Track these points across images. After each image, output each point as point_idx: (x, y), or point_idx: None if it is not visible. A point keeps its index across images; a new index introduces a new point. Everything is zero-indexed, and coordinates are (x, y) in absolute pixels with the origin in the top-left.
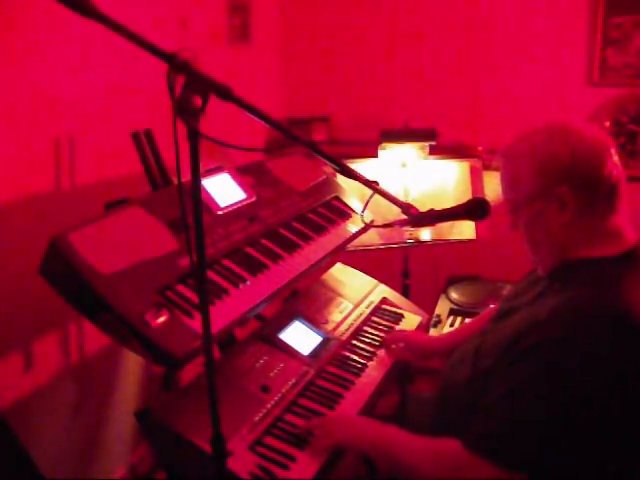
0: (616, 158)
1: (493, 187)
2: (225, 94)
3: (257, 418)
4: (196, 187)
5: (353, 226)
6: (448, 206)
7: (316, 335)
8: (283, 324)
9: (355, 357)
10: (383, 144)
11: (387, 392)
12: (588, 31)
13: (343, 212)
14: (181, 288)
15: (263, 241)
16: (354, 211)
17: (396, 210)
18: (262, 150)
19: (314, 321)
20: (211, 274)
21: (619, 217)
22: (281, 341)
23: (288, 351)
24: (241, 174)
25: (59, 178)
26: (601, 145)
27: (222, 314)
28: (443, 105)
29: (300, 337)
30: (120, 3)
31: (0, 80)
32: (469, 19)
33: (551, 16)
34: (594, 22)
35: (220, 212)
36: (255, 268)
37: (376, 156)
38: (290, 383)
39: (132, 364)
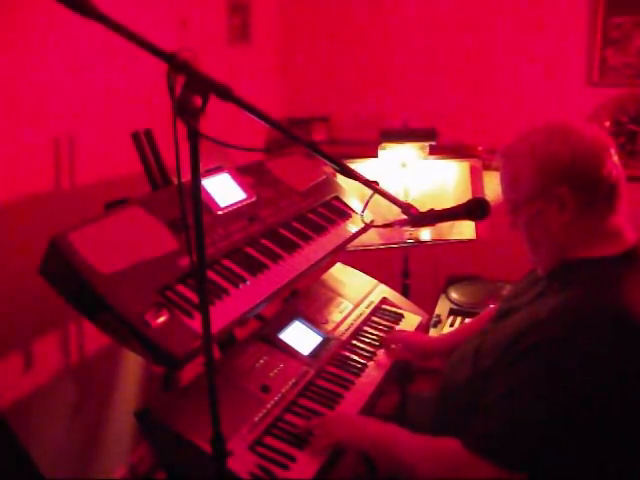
0: (616, 158)
1: (493, 187)
2: (225, 94)
3: (257, 418)
4: (196, 187)
5: (353, 226)
6: (448, 206)
7: (316, 335)
8: (283, 324)
9: (355, 357)
10: (383, 144)
11: (387, 392)
12: (588, 31)
13: (343, 212)
14: (181, 288)
15: (263, 241)
16: (354, 211)
17: (396, 210)
18: (262, 150)
19: (314, 321)
20: (211, 274)
21: (619, 217)
22: (281, 341)
23: (288, 351)
24: (241, 174)
25: (59, 178)
26: (601, 145)
27: (222, 314)
28: (443, 105)
29: (300, 337)
30: (120, 3)
31: (0, 80)
32: (469, 19)
33: (551, 16)
34: (594, 22)
35: (220, 212)
36: (255, 268)
37: (376, 156)
38: (290, 383)
39: (132, 364)
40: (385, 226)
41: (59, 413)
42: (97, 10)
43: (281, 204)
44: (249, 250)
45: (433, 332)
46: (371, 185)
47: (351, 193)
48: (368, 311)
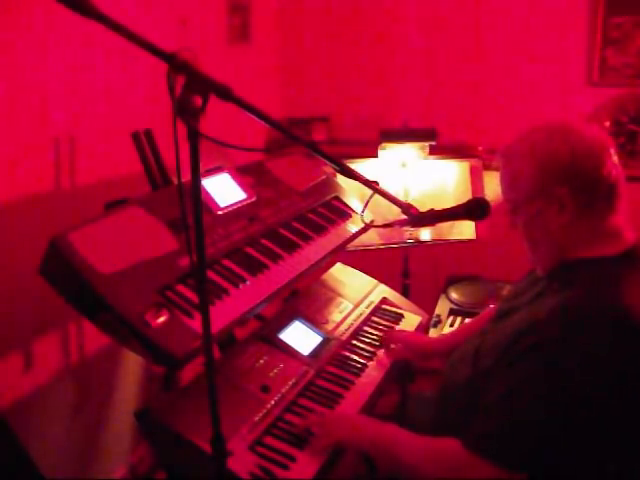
0: (615, 158)
1: (493, 187)
2: (225, 94)
3: (257, 418)
4: (196, 187)
5: (353, 226)
6: (448, 206)
7: (316, 335)
8: (283, 324)
9: (355, 357)
10: (383, 144)
11: (387, 392)
12: (588, 31)
13: (343, 212)
14: (181, 288)
15: (263, 241)
16: (354, 211)
17: (396, 210)
18: (262, 150)
19: (314, 321)
20: (211, 274)
21: (618, 217)
22: (281, 341)
23: (288, 351)
24: (241, 174)
25: (59, 178)
26: (600, 145)
27: (222, 314)
28: (443, 105)
29: (300, 337)
30: (120, 3)
31: (0, 80)
32: (469, 19)
33: (551, 16)
34: (594, 22)
35: (220, 212)
36: (255, 268)
37: (376, 156)
38: (290, 383)
39: (132, 364)
40: (385, 226)
41: (59, 413)
42: (97, 10)
43: (281, 204)
44: (249, 250)
45: (433, 332)
46: (371, 185)
47: (351, 193)
48: (368, 311)
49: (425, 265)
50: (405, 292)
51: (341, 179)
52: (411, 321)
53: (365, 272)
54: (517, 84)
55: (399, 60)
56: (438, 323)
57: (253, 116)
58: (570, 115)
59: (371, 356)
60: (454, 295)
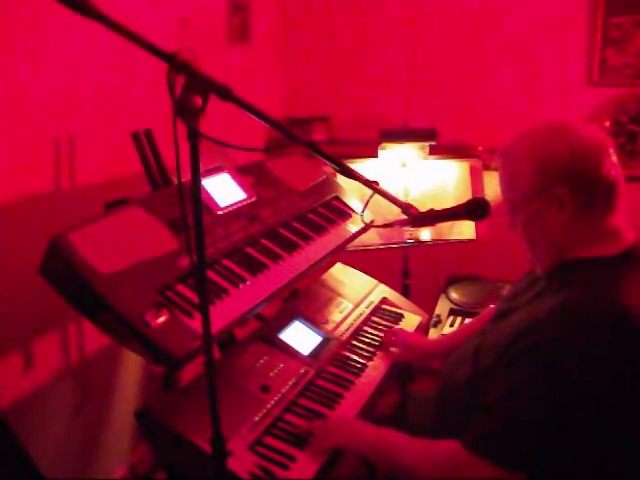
0: (614, 158)
1: (493, 187)
2: (225, 94)
3: (257, 418)
4: (196, 187)
5: (353, 226)
6: (448, 206)
7: (316, 335)
8: (283, 324)
9: (355, 357)
10: (383, 144)
11: (387, 392)
12: (588, 31)
13: (343, 212)
14: (181, 288)
15: (263, 241)
16: (354, 211)
17: (396, 210)
18: (262, 150)
19: (314, 321)
20: (211, 274)
21: (617, 217)
22: (281, 341)
23: (288, 351)
24: (241, 174)
25: (59, 178)
26: (600, 145)
27: (222, 314)
28: (443, 105)
29: (300, 337)
30: (120, 3)
31: (0, 80)
32: (469, 19)
33: (551, 16)
34: (594, 22)
35: (220, 212)
36: (255, 268)
37: (376, 156)
38: (290, 383)
39: (132, 364)
40: (385, 226)
41: (59, 413)
42: (97, 10)
43: (281, 204)
44: (249, 250)
45: (433, 332)
46: (371, 185)
47: (351, 193)
48: (368, 311)
49: (425, 265)
50: (405, 292)
51: (341, 179)
52: (411, 321)
53: (365, 272)
54: (517, 84)
55: (399, 60)
56: (438, 323)
57: (253, 116)
58: (570, 115)
59: (371, 356)
60: (454, 295)
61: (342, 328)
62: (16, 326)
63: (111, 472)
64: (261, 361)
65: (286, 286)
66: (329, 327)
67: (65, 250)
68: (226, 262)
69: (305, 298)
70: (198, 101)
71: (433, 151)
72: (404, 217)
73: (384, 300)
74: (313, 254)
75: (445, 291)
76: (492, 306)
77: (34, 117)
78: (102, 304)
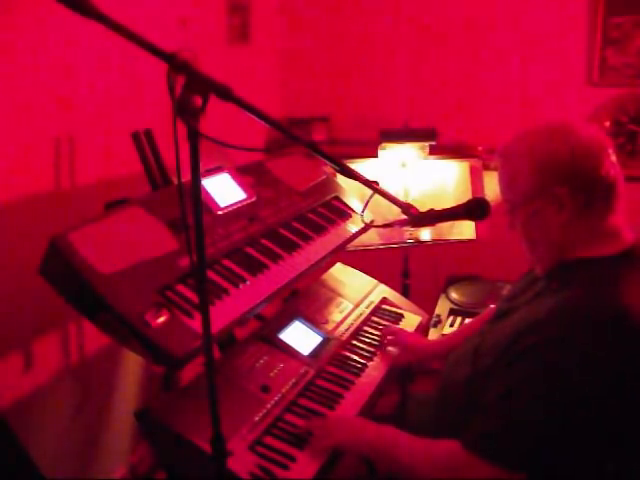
0: (614, 158)
1: (493, 187)
2: (225, 94)
3: (257, 418)
4: (196, 187)
5: (353, 226)
6: (448, 206)
7: (316, 335)
8: (283, 324)
9: (355, 357)
10: (383, 144)
11: (387, 392)
12: (588, 31)
13: (343, 212)
14: (181, 288)
15: (263, 241)
16: (354, 211)
17: (396, 210)
18: (262, 150)
19: (314, 321)
20: (211, 274)
21: (617, 217)
22: (281, 341)
23: (288, 351)
24: (241, 174)
25: (59, 178)
26: (599, 145)
27: (222, 314)
28: (443, 105)
29: (300, 337)
30: (120, 3)
31: (0, 80)
32: (469, 19)
33: (551, 16)
34: (594, 22)
35: (220, 212)
36: (255, 268)
37: (376, 156)
38: (290, 383)
39: (132, 364)
40: (385, 226)
41: (59, 413)
42: (97, 10)
43: (281, 204)
44: (249, 250)
45: (433, 332)
46: (371, 185)
47: (351, 193)
48: (368, 311)
49: (425, 265)
50: (405, 292)
51: (341, 179)
52: (411, 321)
53: (365, 272)
54: (517, 84)
55: (399, 60)
56: (438, 323)
57: (253, 116)
58: (570, 115)
59: (371, 356)
60: (454, 295)
61: (342, 328)
62: (16, 326)
63: (111, 472)
64: (261, 361)
65: (286, 286)
66: (329, 327)
67: (65, 250)
68: (226, 262)
69: (305, 298)
70: (198, 101)
71: (433, 151)
72: (404, 217)
73: (384, 300)
74: (313, 254)
75: (445, 291)
76: (492, 306)
77: (34, 117)
78: (102, 304)
